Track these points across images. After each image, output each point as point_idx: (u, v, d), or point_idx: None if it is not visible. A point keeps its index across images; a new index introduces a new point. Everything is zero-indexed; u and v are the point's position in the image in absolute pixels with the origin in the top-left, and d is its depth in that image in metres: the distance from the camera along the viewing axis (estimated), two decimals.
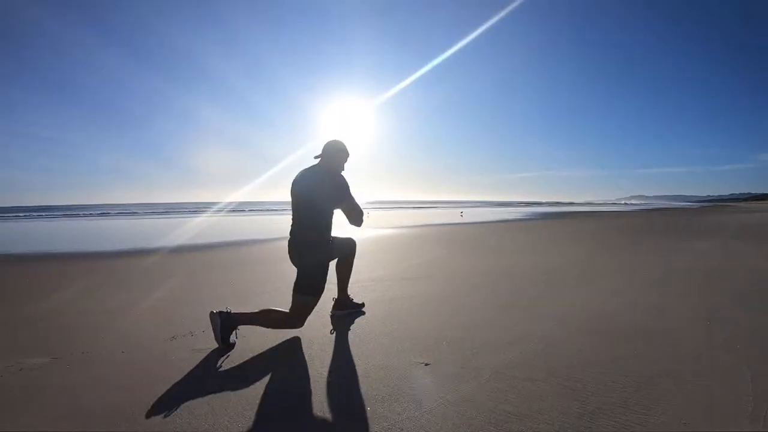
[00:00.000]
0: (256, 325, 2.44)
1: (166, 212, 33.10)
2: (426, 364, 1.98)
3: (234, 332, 2.38)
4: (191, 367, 2.04)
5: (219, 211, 33.33)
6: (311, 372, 1.96)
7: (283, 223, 11.33)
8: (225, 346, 2.32)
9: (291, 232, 2.55)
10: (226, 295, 3.53)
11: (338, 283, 2.93)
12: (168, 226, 16.01)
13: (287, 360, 2.14)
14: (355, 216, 2.56)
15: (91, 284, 4.21)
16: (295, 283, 2.47)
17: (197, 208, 39.77)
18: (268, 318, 2.42)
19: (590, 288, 3.57)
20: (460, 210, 29.92)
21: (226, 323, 2.32)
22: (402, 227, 13.01)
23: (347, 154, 2.63)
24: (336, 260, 2.83)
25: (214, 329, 2.33)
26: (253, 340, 2.39)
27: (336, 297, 2.95)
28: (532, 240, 8.35)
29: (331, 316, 2.88)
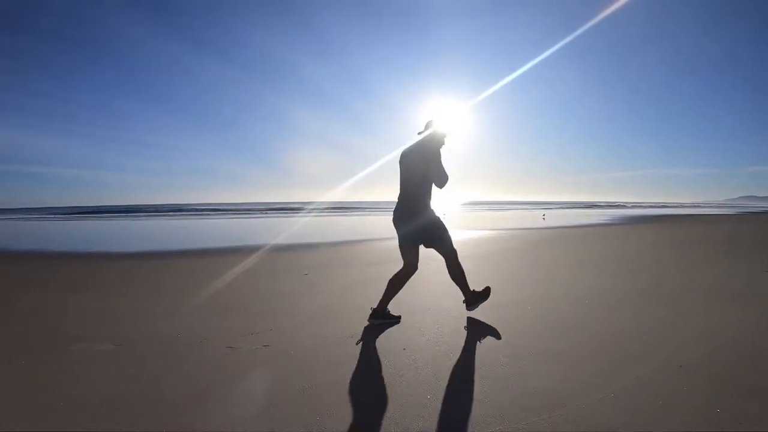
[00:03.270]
0: (390, 297, 2.96)
1: (279, 210, 35.97)
2: None
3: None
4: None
5: (322, 209, 35.67)
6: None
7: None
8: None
9: (398, 201, 2.96)
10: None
11: (460, 286, 3.03)
12: (316, 224, 17.39)
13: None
14: (438, 177, 2.86)
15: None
16: (426, 240, 2.90)
17: (298, 207, 42.86)
18: (394, 285, 2.95)
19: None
20: (543, 213, 28.46)
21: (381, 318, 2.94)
22: (491, 229, 12.84)
23: (446, 131, 2.94)
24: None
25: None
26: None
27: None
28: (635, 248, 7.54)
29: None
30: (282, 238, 10.81)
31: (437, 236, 2.91)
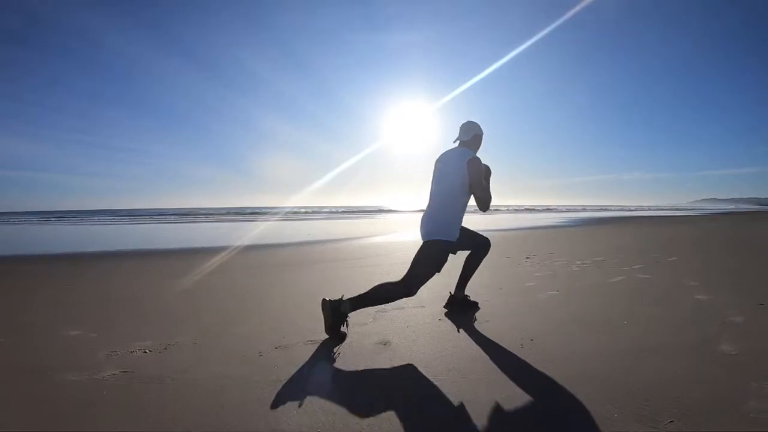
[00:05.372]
0: (368, 305, 2.48)
1: (253, 215, 34.54)
2: None
3: (345, 323, 2.40)
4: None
5: (292, 214, 34.72)
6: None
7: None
8: (334, 336, 2.36)
9: (427, 207, 2.74)
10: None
11: (459, 278, 2.98)
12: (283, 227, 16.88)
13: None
14: (483, 198, 2.60)
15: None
16: (417, 255, 2.59)
17: (271, 212, 41.35)
18: (380, 292, 2.47)
19: None
20: None
21: (336, 312, 2.35)
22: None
23: (481, 135, 2.82)
24: (468, 253, 2.93)
25: (324, 318, 2.36)
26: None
27: (452, 292, 3.00)
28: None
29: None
30: (236, 240, 10.11)
31: (467, 237, 2.80)
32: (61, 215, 39.70)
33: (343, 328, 2.40)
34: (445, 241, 2.58)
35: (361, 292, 2.49)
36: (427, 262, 2.55)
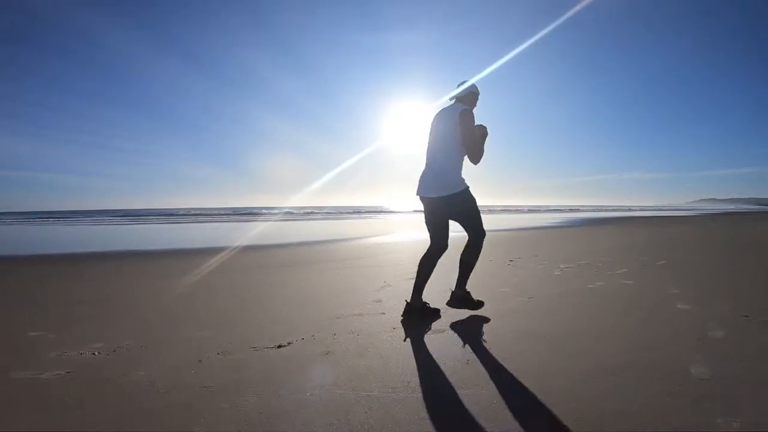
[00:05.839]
0: (423, 282, 2.75)
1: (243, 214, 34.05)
2: None
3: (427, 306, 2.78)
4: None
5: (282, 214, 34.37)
6: None
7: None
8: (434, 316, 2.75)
9: (424, 170, 2.76)
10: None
11: (459, 274, 2.79)
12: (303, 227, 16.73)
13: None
14: (473, 150, 2.64)
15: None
16: (459, 216, 2.70)
17: (269, 212, 40.76)
18: (424, 270, 2.73)
19: None
20: None
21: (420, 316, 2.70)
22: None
23: (477, 93, 2.84)
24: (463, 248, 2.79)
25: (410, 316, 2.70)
26: None
27: (453, 290, 2.82)
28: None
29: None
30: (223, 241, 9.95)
31: (469, 208, 2.69)
32: (57, 216, 38.94)
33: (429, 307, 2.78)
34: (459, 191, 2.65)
35: (415, 280, 2.77)
36: (474, 207, 2.70)
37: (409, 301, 2.78)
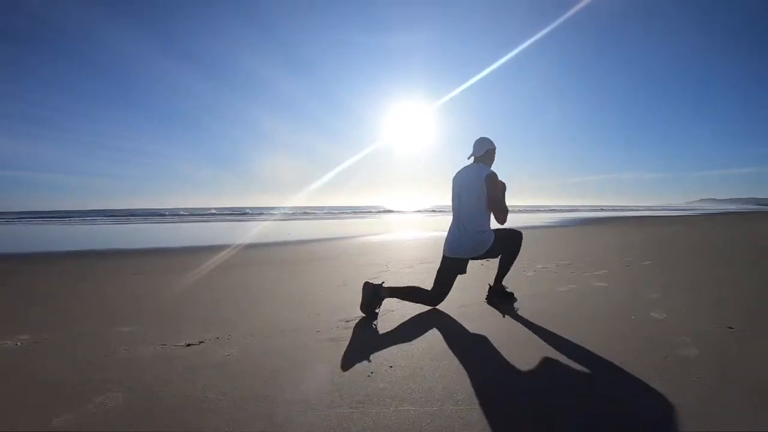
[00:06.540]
0: (401, 298, 2.75)
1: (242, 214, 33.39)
2: None
3: (379, 305, 2.66)
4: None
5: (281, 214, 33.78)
6: None
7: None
8: (368, 314, 2.61)
9: (455, 222, 2.80)
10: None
11: (498, 272, 2.99)
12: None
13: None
14: (500, 212, 2.72)
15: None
16: (441, 269, 2.77)
17: (268, 212, 39.51)
18: (413, 293, 2.76)
19: None
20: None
21: (374, 294, 2.62)
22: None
23: (494, 149, 2.89)
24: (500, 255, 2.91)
25: (363, 297, 2.62)
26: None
27: (491, 284, 3.04)
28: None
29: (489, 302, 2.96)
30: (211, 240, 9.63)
31: (498, 239, 2.76)
32: (57, 216, 38.03)
33: (377, 310, 2.65)
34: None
35: (400, 286, 2.81)
36: (498, 233, 2.79)
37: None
